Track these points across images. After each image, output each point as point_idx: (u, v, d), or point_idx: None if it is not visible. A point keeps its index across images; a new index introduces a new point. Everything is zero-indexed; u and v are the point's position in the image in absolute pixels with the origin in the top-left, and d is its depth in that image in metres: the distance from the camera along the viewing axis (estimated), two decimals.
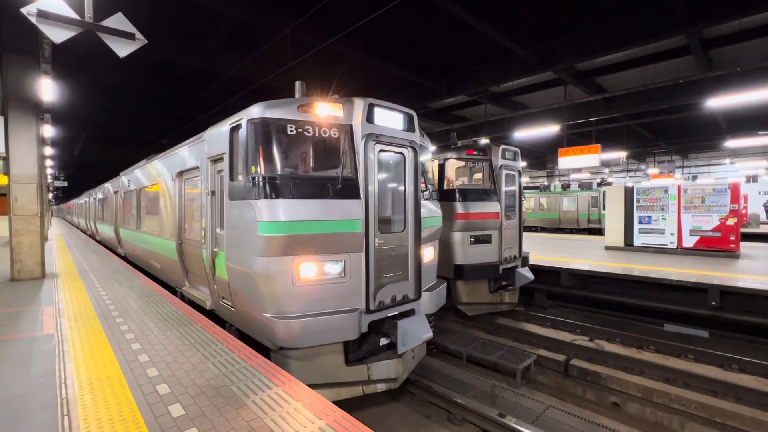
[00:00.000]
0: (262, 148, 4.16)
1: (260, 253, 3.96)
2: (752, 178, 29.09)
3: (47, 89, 8.23)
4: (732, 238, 10.55)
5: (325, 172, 4.51)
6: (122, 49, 4.82)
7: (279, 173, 4.16)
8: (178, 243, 6.51)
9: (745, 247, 12.56)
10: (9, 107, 7.75)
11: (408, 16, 8.63)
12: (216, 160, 5.14)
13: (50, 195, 32.85)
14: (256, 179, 4.09)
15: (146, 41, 4.92)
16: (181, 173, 6.56)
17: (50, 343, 4.38)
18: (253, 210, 4.05)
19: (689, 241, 11.22)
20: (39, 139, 8.18)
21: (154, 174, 8.23)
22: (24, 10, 4.18)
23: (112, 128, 18.00)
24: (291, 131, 4.19)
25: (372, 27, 8.70)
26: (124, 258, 12.34)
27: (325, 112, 4.28)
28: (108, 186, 14.82)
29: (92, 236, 20.56)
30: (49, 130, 13.03)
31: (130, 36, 4.80)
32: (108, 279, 8.19)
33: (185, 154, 6.39)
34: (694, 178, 30.68)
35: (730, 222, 10.60)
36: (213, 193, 5.22)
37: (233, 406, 2.96)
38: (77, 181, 41.58)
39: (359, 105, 4.42)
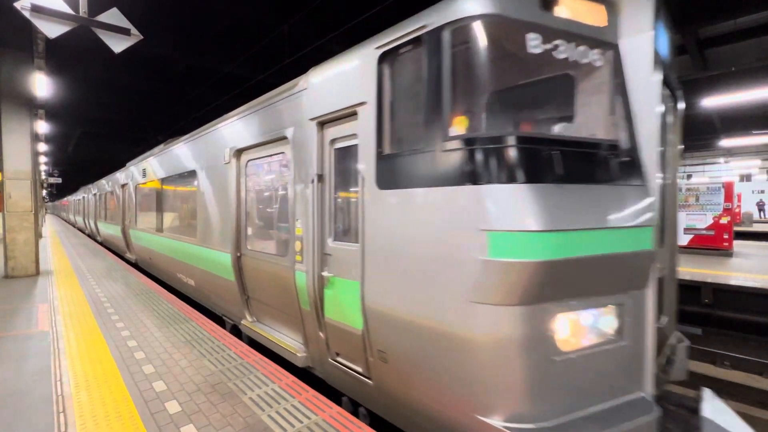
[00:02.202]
0: (482, 78, 2.18)
1: (485, 296, 2.06)
2: (746, 177, 29.38)
3: (41, 85, 8.15)
4: (725, 236, 10.65)
5: (569, 131, 2.63)
6: (117, 44, 4.78)
7: (519, 132, 2.43)
8: (236, 256, 4.59)
9: (738, 245, 12.68)
10: (2, 103, 7.68)
11: (404, 13, 8.61)
12: (332, 120, 3.17)
13: (44, 192, 32.61)
14: (479, 143, 2.11)
15: (141, 37, 4.88)
16: (241, 151, 4.64)
17: (45, 340, 4.35)
18: (470, 207, 2.09)
19: (683, 239, 11.31)
20: (33, 135, 8.13)
21: (188, 157, 6.25)
22: (18, 5, 4.13)
23: (106, 125, 17.86)
24: (534, 46, 2.21)
25: (370, 25, 8.68)
26: (135, 266, 10.44)
27: (580, 17, 2.39)
28: (113, 178, 12.75)
29: (91, 236, 19.17)
30: (42, 126, 12.91)
31: (125, 31, 4.77)
32: (103, 276, 8.15)
33: (252, 121, 4.38)
34: (689, 176, 30.93)
35: (724, 221, 10.70)
36: (320, 178, 3.30)
37: (230, 403, 2.97)
38: (71, 178, 41.30)
39: (638, 7, 2.44)
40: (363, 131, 2.79)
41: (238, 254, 4.59)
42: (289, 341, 3.94)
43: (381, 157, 2.66)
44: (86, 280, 7.67)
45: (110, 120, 17.46)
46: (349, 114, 2.98)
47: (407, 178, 2.45)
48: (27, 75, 7.85)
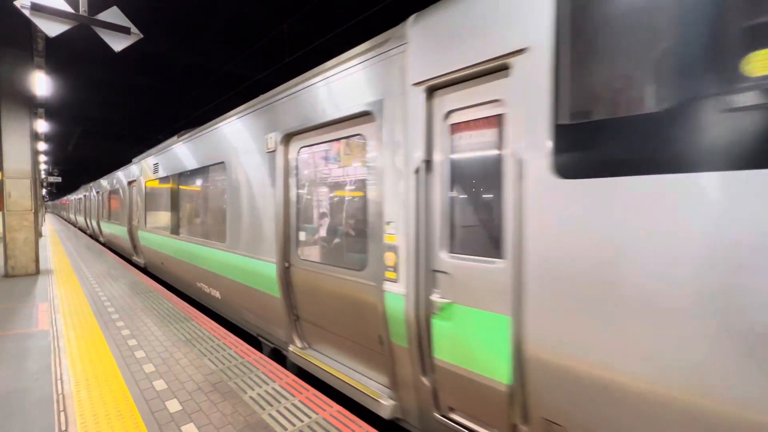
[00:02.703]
0: None
1: None
2: None
3: (41, 83, 8.15)
4: None
5: None
6: (117, 43, 4.78)
7: None
8: (284, 267, 3.77)
9: None
10: (2, 101, 7.68)
11: (403, 12, 8.62)
12: (453, 82, 2.31)
13: (44, 191, 32.63)
14: None
15: (141, 35, 4.88)
16: (292, 136, 3.75)
17: (45, 339, 4.35)
18: None
19: None
20: (32, 134, 8.13)
21: (214, 147, 5.27)
22: (17, 3, 4.13)
23: (106, 124, 17.88)
24: None
25: (369, 24, 8.69)
26: (144, 270, 9.74)
27: None
28: (118, 175, 11.98)
29: (93, 237, 18.45)
30: (42, 125, 12.92)
31: (125, 30, 4.77)
32: (103, 275, 8.15)
33: (308, 97, 3.46)
34: None
35: None
36: (428, 165, 2.45)
37: (230, 402, 2.97)
38: (71, 177, 41.32)
39: None
40: (520, 93, 1.94)
41: (287, 265, 3.76)
42: (365, 381, 3.08)
43: (564, 131, 1.78)
44: (86, 280, 7.67)
45: (110, 119, 17.47)
46: (489, 70, 2.10)
47: (632, 160, 1.57)
48: (27, 74, 7.85)
